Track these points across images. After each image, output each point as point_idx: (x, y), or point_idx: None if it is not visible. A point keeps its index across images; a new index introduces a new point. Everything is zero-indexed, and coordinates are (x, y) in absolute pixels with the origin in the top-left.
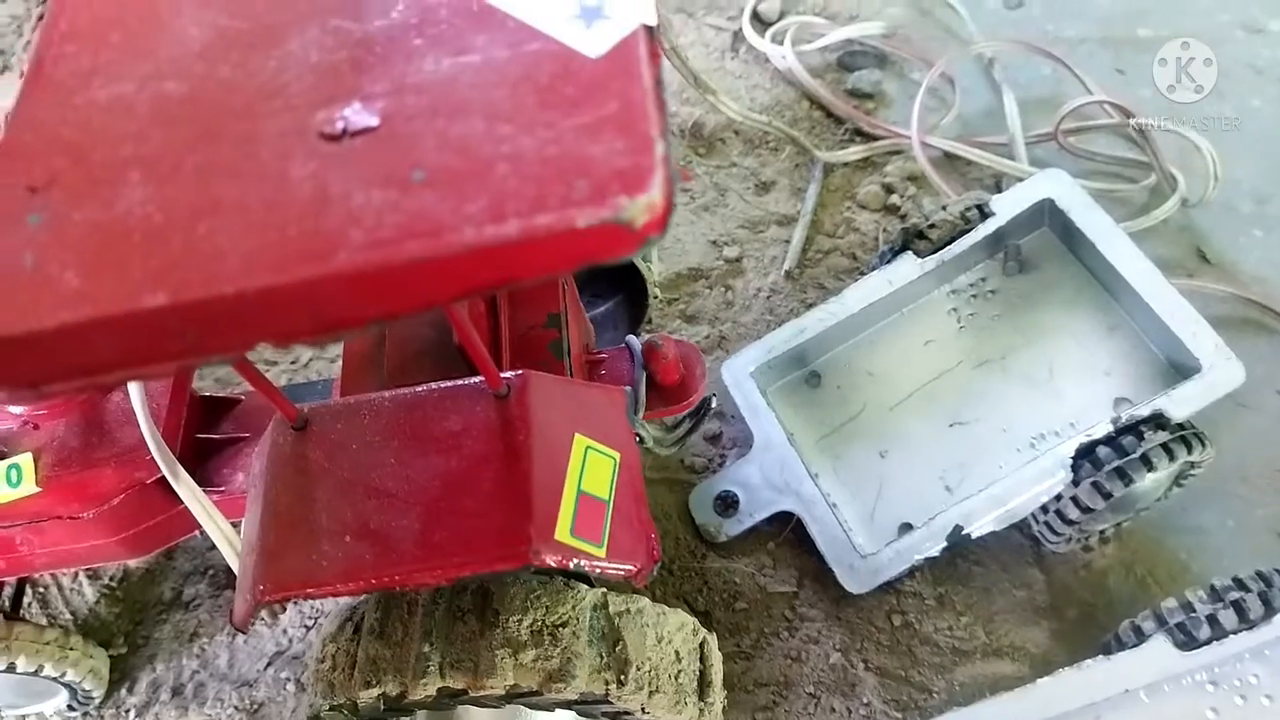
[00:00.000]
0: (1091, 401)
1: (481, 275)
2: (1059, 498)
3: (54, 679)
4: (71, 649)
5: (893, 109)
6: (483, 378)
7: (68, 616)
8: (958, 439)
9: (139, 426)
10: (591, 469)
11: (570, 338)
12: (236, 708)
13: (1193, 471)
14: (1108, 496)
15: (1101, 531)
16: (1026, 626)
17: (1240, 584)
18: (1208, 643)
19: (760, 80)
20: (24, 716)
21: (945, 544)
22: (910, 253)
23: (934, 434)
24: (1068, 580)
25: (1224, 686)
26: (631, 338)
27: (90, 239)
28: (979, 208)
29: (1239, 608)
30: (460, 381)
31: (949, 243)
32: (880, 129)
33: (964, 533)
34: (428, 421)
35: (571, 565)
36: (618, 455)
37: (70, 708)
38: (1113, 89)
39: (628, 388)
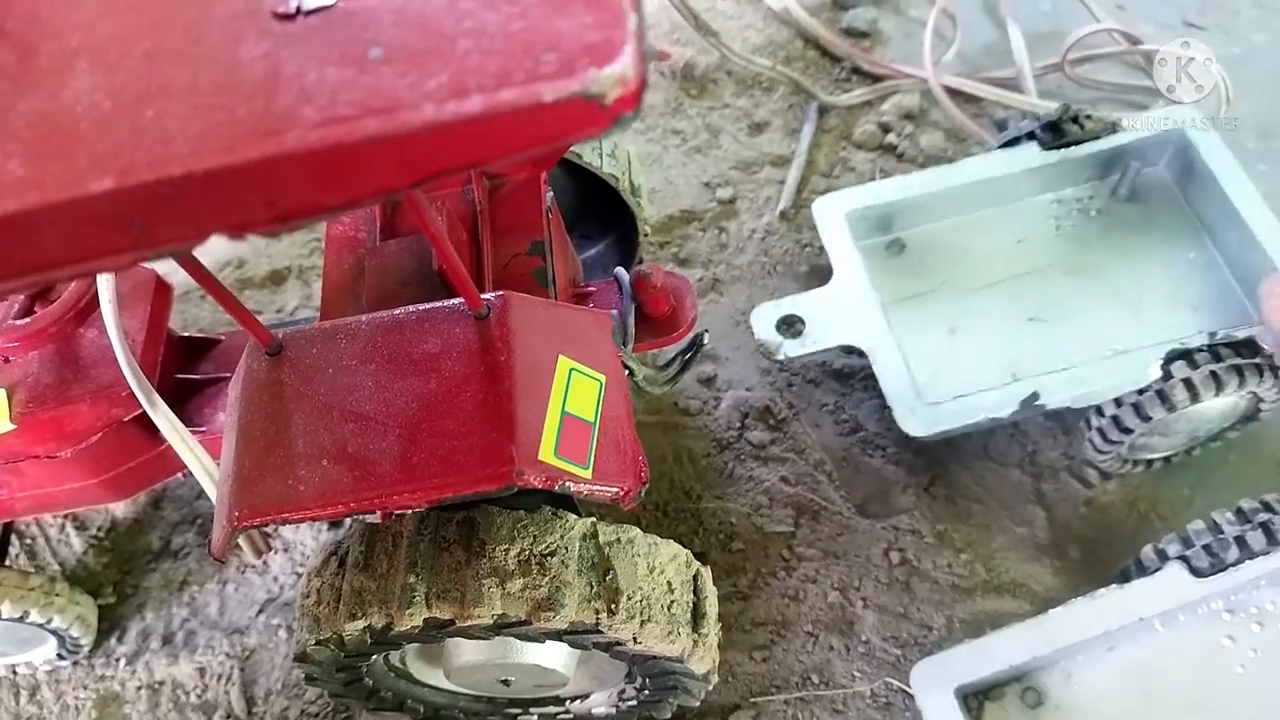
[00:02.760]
0: (1177, 330)
1: (444, 156)
2: (1119, 403)
3: (40, 626)
4: (57, 595)
5: (889, 47)
6: (462, 299)
7: (55, 567)
8: (1034, 334)
9: (114, 363)
10: (576, 391)
11: (555, 268)
12: (228, 655)
13: (1260, 409)
14: (1171, 409)
15: (1150, 462)
16: (1028, 563)
17: (1268, 506)
18: (1235, 565)
19: (753, 20)
20: (13, 666)
21: (1017, 408)
22: (1035, 142)
23: (1010, 325)
24: (1069, 517)
25: (1240, 614)
26: (620, 269)
27: (35, 129)
28: (1113, 124)
29: (1267, 529)
30: (439, 304)
31: (1076, 144)
32: (880, 67)
33: (1038, 402)
34: (406, 344)
35: (557, 487)
36: (603, 378)
37: (60, 656)
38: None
39: (614, 312)
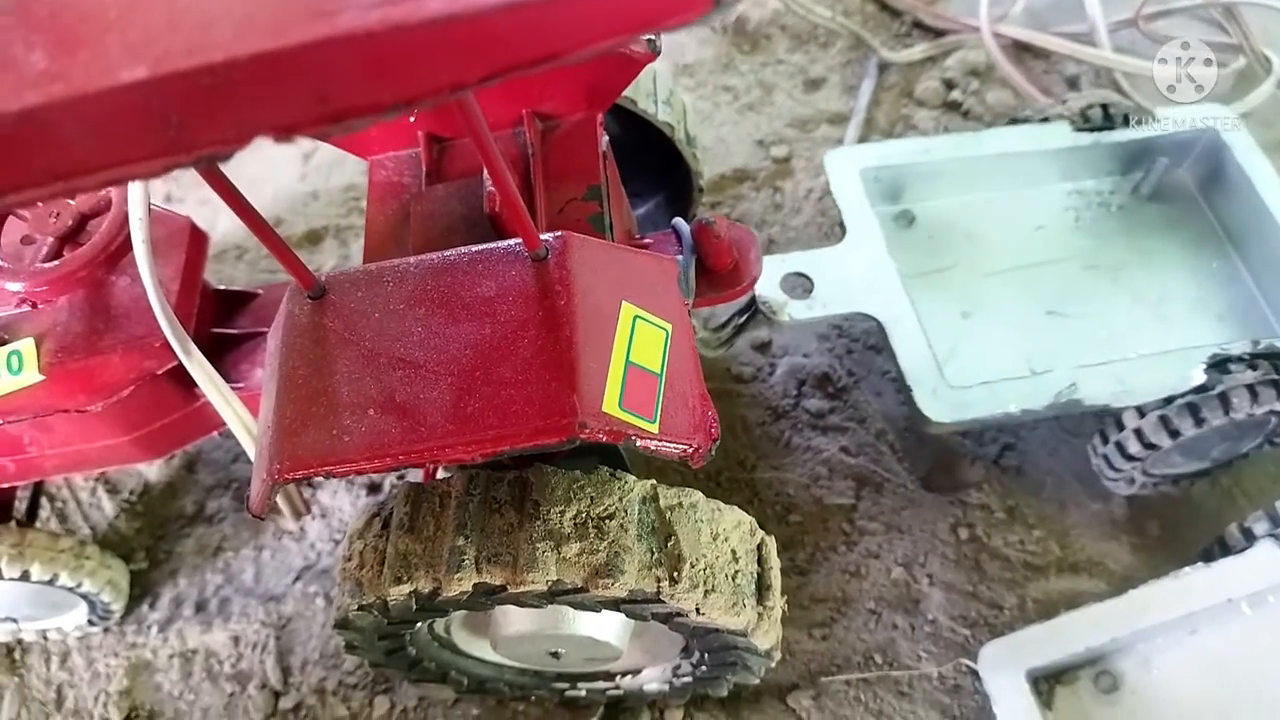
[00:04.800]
0: (1203, 337)
1: (520, 45)
2: (1142, 412)
3: (70, 589)
4: (87, 558)
5: (951, 1)
6: (519, 240)
7: (87, 531)
8: (1053, 327)
9: (147, 313)
10: (641, 339)
11: (612, 215)
12: (263, 623)
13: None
14: (1201, 423)
15: (1177, 480)
16: (1104, 541)
17: None
18: None
19: None
20: (44, 631)
21: (1052, 401)
22: (1067, 122)
23: (1028, 314)
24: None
25: None
26: (678, 219)
27: (60, 17)
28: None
29: None
30: (493, 245)
31: (1110, 128)
32: (943, 21)
33: (1076, 397)
34: (458, 287)
35: (622, 442)
36: (670, 326)
37: (90, 622)
38: None
39: (679, 257)
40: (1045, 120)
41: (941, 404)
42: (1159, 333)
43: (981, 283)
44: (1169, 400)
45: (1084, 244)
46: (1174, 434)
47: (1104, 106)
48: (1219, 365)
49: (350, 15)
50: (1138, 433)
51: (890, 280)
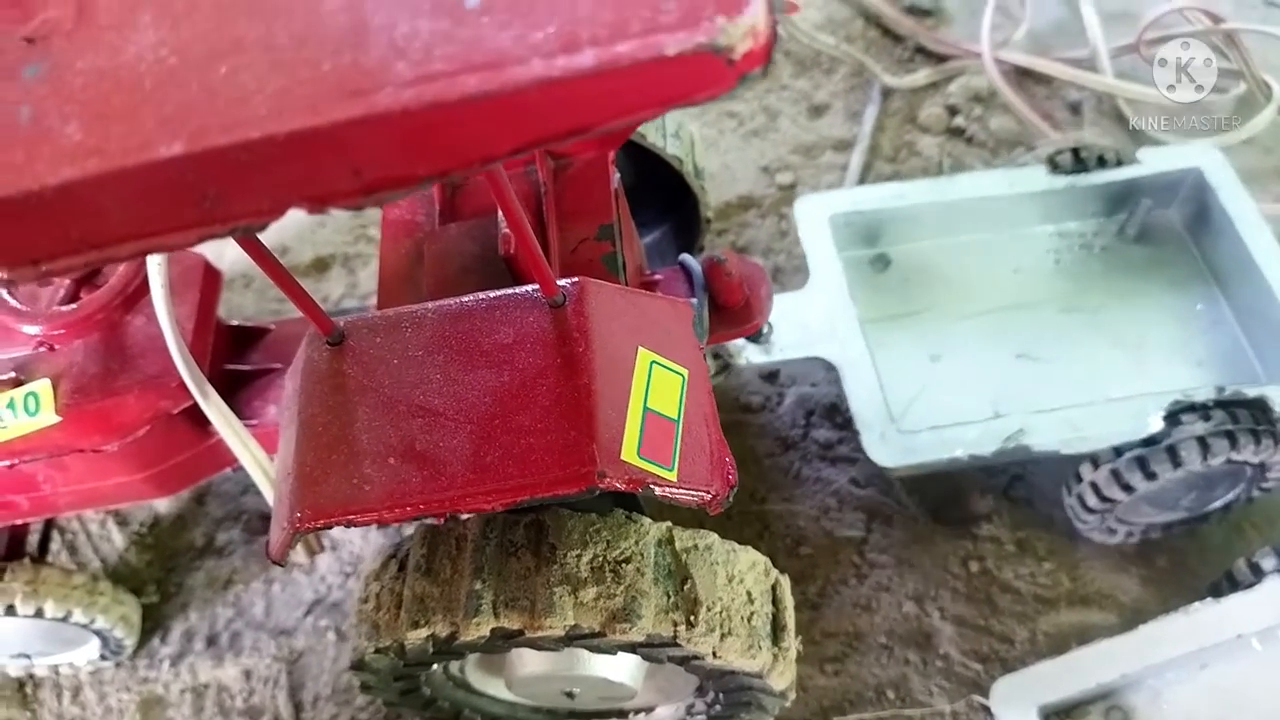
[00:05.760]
0: (1179, 382)
1: (550, 119)
2: (1095, 464)
3: (83, 625)
4: (100, 594)
5: (954, 26)
6: (536, 285)
7: (97, 564)
8: (1022, 371)
9: (163, 353)
10: (658, 385)
11: (624, 254)
12: (275, 657)
13: (1264, 483)
14: (1152, 476)
15: (1167, 527)
16: (1115, 573)
17: None
18: None
19: None
20: (56, 666)
21: (1000, 447)
22: (1041, 167)
23: (997, 358)
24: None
25: None
26: (686, 256)
27: (95, 88)
28: (1122, 158)
29: None
30: (511, 290)
31: (1084, 171)
32: (946, 46)
33: (1024, 442)
34: (476, 333)
35: (641, 491)
36: (686, 372)
37: (102, 657)
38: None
39: (693, 300)
40: (1021, 165)
41: (889, 448)
42: (1134, 377)
43: (953, 326)
44: (1119, 452)
45: (1063, 286)
46: (1126, 488)
47: (1075, 151)
48: (1176, 414)
49: (387, 94)
50: (1093, 486)
51: (849, 325)
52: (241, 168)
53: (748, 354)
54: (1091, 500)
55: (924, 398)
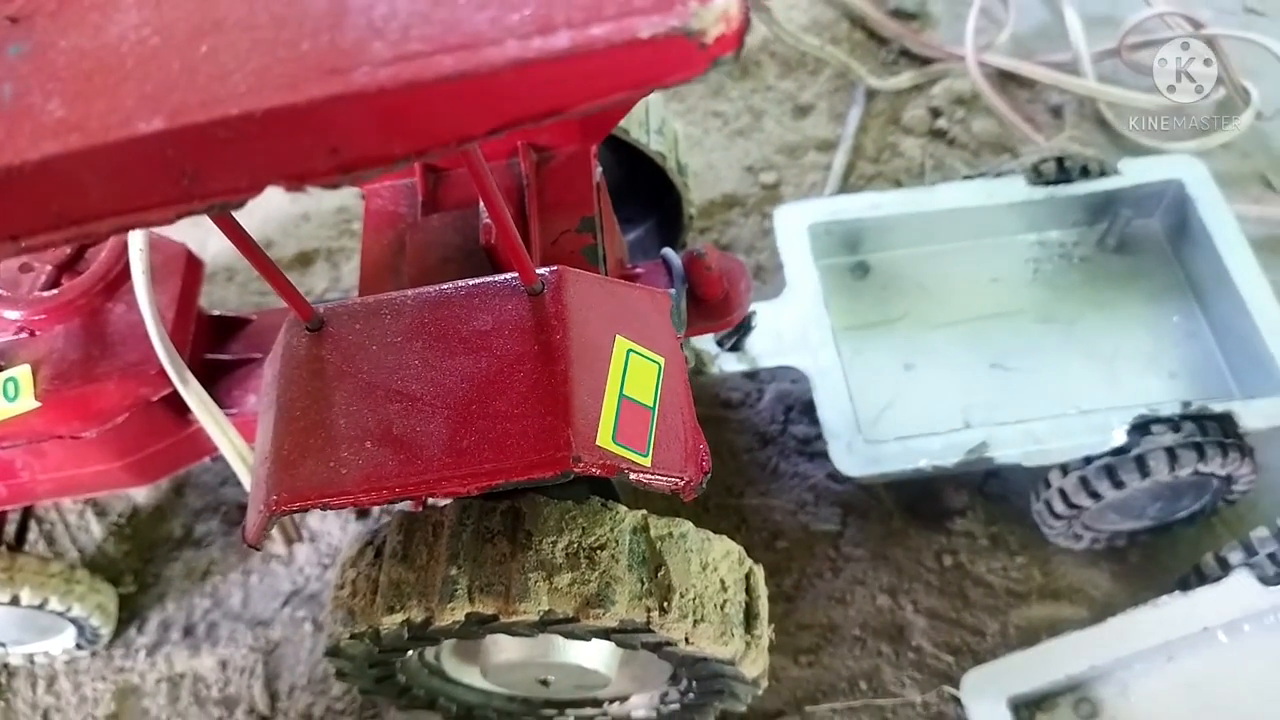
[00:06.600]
0: (1150, 395)
1: (526, 100)
2: (1065, 471)
3: (60, 614)
4: (77, 582)
5: (938, 29)
6: (515, 274)
7: (75, 554)
8: (995, 381)
9: (143, 340)
10: (634, 373)
11: (605, 246)
12: (251, 648)
13: (1229, 495)
14: (1120, 485)
15: (1133, 535)
16: (1085, 568)
17: None
18: None
19: (797, 0)
20: (31, 655)
21: (963, 458)
22: (1021, 177)
23: (971, 367)
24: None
25: None
26: (667, 250)
27: (77, 66)
28: (1105, 168)
29: None
30: (490, 278)
31: (1066, 181)
32: (930, 49)
33: (987, 454)
34: (455, 320)
35: (615, 476)
36: (662, 360)
37: (78, 646)
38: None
39: (671, 291)
40: (1000, 175)
41: (855, 458)
42: (1105, 389)
43: (930, 334)
44: (1088, 460)
45: (1041, 296)
46: (1094, 495)
47: (1059, 160)
48: (1142, 427)
49: (364, 72)
50: (1061, 492)
51: (822, 334)
52: (220, 144)
53: (721, 362)
54: (1059, 506)
55: (896, 406)
